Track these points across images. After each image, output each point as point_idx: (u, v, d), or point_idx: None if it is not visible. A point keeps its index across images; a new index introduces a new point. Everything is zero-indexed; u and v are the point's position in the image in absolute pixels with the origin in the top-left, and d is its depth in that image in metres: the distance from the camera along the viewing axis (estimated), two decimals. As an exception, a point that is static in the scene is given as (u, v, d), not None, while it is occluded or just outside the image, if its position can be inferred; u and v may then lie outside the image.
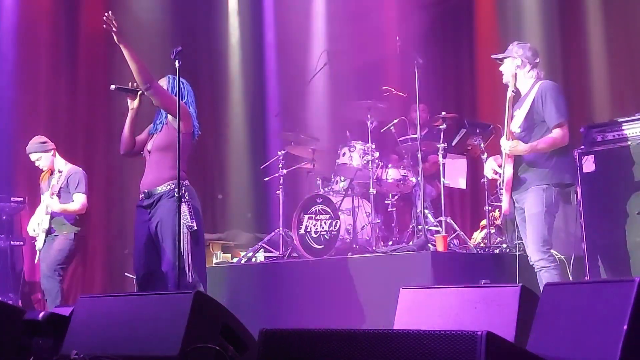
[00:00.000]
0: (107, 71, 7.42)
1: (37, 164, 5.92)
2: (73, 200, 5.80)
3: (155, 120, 4.53)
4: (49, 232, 5.76)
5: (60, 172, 5.78)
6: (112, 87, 4.40)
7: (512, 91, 4.42)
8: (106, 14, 4.06)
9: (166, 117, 4.42)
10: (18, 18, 7.03)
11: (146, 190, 4.37)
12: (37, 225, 5.84)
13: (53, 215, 5.77)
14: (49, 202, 5.73)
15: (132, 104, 4.44)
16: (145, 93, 4.29)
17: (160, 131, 4.43)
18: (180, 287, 3.96)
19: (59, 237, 5.78)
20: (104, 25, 4.09)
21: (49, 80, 7.13)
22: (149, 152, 4.46)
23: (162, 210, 4.27)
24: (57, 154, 5.96)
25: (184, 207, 4.17)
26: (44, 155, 5.87)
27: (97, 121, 7.38)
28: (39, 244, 5.80)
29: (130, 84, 4.37)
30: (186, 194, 4.20)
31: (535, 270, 4.38)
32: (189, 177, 4.36)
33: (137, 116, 4.47)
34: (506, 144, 4.41)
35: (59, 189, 5.77)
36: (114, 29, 4.10)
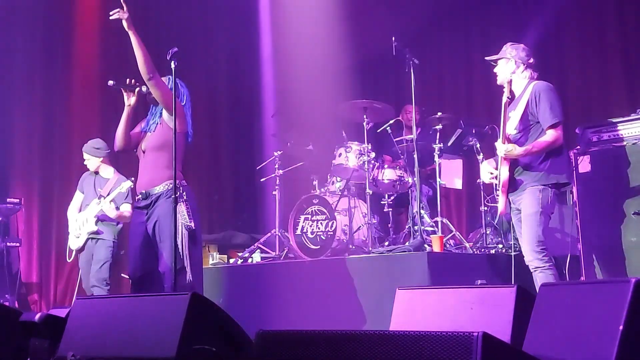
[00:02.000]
0: (102, 68, 7.41)
1: (85, 162, 6.01)
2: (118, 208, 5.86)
3: (148, 118, 4.53)
4: (95, 233, 5.81)
5: (132, 181, 5.77)
6: (110, 82, 4.40)
7: (508, 97, 4.42)
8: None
9: (160, 116, 4.42)
10: (12, 15, 7.01)
11: (143, 191, 4.36)
12: (79, 225, 5.85)
13: (101, 219, 5.84)
14: (105, 208, 5.77)
15: (129, 101, 4.43)
16: (146, 83, 4.29)
17: (154, 131, 4.43)
18: (177, 288, 3.95)
19: (98, 245, 5.83)
20: (112, 14, 4.11)
21: (43, 79, 7.12)
22: (143, 151, 4.46)
23: (160, 211, 4.26)
24: (107, 161, 6.01)
25: (182, 207, 4.17)
26: (92, 159, 5.96)
27: (92, 120, 7.37)
28: (77, 244, 5.82)
29: (127, 80, 4.38)
30: (184, 193, 4.20)
31: (531, 270, 4.39)
32: (185, 178, 4.37)
33: (133, 113, 4.48)
34: (501, 148, 4.41)
35: (103, 194, 5.82)
36: (125, 15, 4.12)
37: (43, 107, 7.09)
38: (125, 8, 4.12)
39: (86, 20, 7.38)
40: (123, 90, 4.42)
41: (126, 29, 4.17)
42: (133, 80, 4.33)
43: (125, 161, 6.57)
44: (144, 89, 4.38)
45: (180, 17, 8.35)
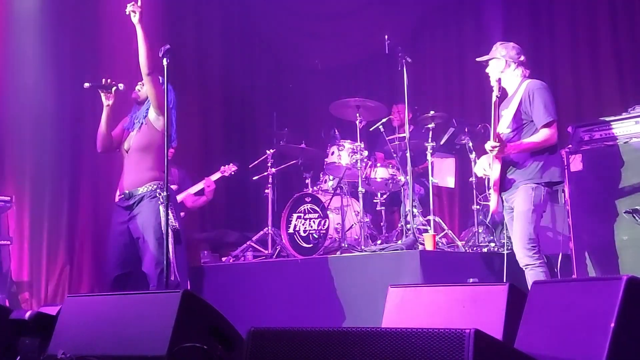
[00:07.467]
0: (93, 65, 7.37)
1: None
2: None
3: (132, 117, 4.52)
4: None
5: None
6: (86, 85, 4.41)
7: (497, 96, 4.42)
8: None
9: (146, 116, 4.42)
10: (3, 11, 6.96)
11: (127, 191, 4.36)
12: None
13: None
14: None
15: (107, 101, 4.44)
16: (143, 78, 4.32)
17: (139, 130, 4.42)
18: (165, 287, 3.95)
19: None
20: (128, 9, 4.16)
21: (35, 77, 7.07)
22: (126, 151, 4.45)
23: (144, 211, 4.27)
24: None
25: (168, 208, 4.17)
26: None
27: (84, 120, 7.32)
28: None
29: (103, 80, 4.38)
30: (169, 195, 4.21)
31: (522, 268, 4.39)
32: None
33: (112, 112, 4.48)
34: (489, 146, 4.40)
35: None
36: (139, 9, 4.22)
37: (33, 104, 7.04)
38: (140, 2, 4.22)
39: (77, 17, 7.33)
40: (100, 91, 4.42)
41: (134, 22, 4.24)
42: (109, 80, 4.35)
43: (105, 161, 6.56)
44: (120, 86, 4.40)
45: (171, 12, 8.29)
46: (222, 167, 6.83)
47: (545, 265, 4.34)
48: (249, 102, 9.11)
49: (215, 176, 6.76)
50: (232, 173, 6.82)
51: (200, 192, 6.73)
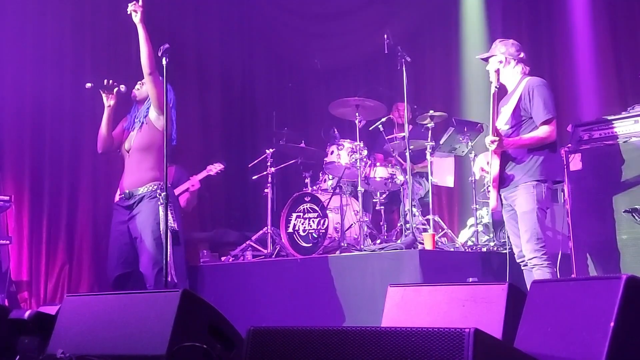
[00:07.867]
0: (93, 64, 7.36)
1: None
2: None
3: (132, 116, 4.51)
4: None
5: None
6: (88, 85, 4.41)
7: (496, 87, 4.41)
8: None
9: (146, 115, 4.42)
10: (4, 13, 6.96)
11: (127, 191, 4.36)
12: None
13: None
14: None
15: (109, 102, 4.44)
16: (145, 77, 4.34)
17: (139, 130, 4.41)
18: (163, 288, 3.95)
19: None
20: (129, 8, 4.16)
21: (33, 78, 7.06)
22: (127, 151, 4.45)
23: (143, 211, 4.27)
24: None
25: (168, 209, 4.17)
26: None
27: (83, 120, 7.32)
28: None
29: (105, 81, 4.38)
30: (170, 195, 4.22)
31: (528, 268, 4.37)
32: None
33: (113, 113, 4.48)
34: (488, 140, 4.40)
35: None
36: (140, 9, 4.25)
37: (33, 104, 7.03)
38: (141, 2, 4.22)
39: (77, 16, 7.33)
40: (102, 92, 4.42)
41: (136, 22, 4.25)
42: (111, 81, 4.36)
43: (105, 160, 6.56)
44: (122, 88, 4.40)
45: (171, 12, 8.29)
46: (209, 165, 6.83)
47: (553, 265, 4.34)
48: (249, 101, 9.11)
49: (201, 175, 6.74)
50: (219, 172, 6.79)
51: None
